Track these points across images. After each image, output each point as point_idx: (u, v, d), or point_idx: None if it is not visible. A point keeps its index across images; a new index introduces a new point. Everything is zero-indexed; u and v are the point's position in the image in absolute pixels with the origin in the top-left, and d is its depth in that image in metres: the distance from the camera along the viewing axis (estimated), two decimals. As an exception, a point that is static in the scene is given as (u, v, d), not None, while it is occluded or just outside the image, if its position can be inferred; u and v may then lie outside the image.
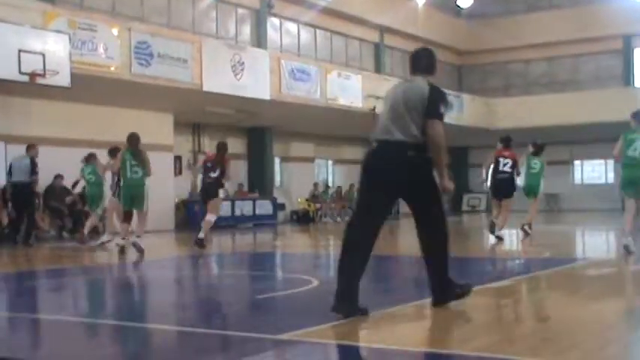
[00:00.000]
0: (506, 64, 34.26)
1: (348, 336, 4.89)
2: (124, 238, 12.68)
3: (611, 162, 32.74)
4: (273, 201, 23.68)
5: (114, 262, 11.82)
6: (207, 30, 22.45)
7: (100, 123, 18.34)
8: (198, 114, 21.23)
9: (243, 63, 19.24)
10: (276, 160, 26.11)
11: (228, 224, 20.97)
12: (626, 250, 9.95)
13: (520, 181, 14.20)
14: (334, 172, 29.58)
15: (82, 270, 10.52)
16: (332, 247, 14.47)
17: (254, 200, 22.68)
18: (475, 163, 35.41)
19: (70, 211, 17.36)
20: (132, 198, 12.38)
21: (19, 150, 16.16)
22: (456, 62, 35.01)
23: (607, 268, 9.33)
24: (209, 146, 23.26)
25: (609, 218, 22.78)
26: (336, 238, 16.71)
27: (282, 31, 25.39)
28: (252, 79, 19.45)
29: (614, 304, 6.21)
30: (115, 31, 16.23)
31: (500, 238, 13.53)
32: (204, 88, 18.14)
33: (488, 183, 13.94)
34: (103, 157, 15.46)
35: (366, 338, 4.91)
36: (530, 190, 14.65)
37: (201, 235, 12.55)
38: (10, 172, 15.17)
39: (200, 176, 13.57)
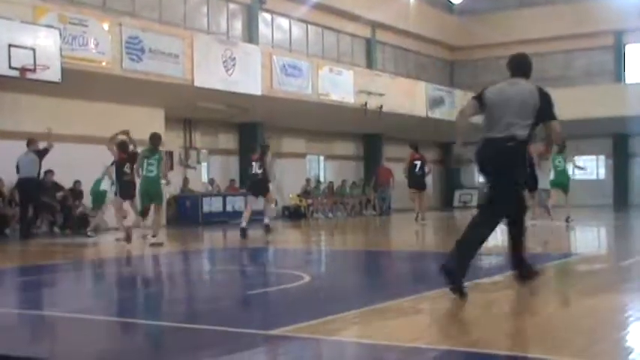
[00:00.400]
0: (497, 60, 34.15)
1: (340, 331, 4.88)
2: (146, 236, 13.14)
3: (602, 158, 32.92)
4: (265, 196, 23.64)
5: (105, 256, 11.79)
6: (199, 25, 22.40)
7: (91, 118, 18.29)
8: (189, 109, 21.18)
9: (234, 58, 19.21)
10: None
11: (219, 220, 20.95)
12: None
13: (546, 178, 15.73)
14: (326, 167, 29.53)
15: (77, 265, 10.50)
16: (323, 243, 14.46)
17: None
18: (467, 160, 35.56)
19: (61, 206, 17.29)
20: (148, 194, 12.87)
21: (9, 145, 16.12)
22: (447, 58, 35.06)
23: (599, 264, 9.36)
24: (200, 142, 23.27)
25: (601, 214, 22.88)
26: (328, 234, 16.75)
27: (273, 26, 25.34)
28: (243, 74, 19.42)
29: (606, 299, 6.21)
30: (105, 26, 16.16)
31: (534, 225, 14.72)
32: (196, 84, 18.10)
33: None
34: (96, 152, 15.43)
35: (358, 334, 4.91)
36: (562, 186, 16.05)
37: (266, 220, 14.72)
38: (17, 169, 15.44)
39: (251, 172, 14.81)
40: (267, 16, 24.98)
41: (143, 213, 13.35)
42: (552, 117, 6.29)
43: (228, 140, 24.37)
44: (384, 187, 26.32)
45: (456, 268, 6.01)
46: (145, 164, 12.76)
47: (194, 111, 21.46)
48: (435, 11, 33.14)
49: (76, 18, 15.56)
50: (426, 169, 18.87)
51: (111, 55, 16.05)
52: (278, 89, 20.67)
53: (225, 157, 24.30)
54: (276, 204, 24.82)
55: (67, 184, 17.57)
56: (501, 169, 6.15)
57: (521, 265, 6.42)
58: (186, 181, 21.95)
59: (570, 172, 16.91)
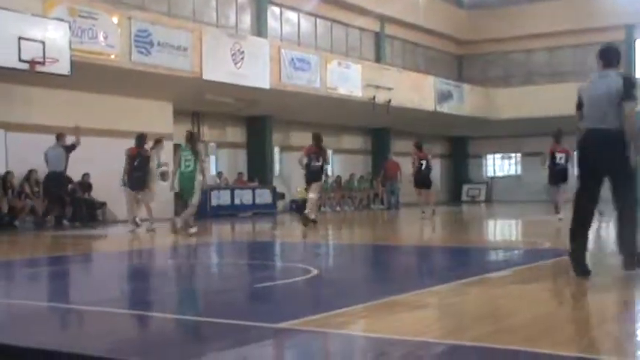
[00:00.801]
0: (507, 54, 34.16)
1: (347, 325, 4.88)
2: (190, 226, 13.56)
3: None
4: (273, 190, 23.65)
5: (115, 249, 11.83)
6: (208, 19, 22.39)
7: (100, 111, 18.36)
8: (197, 102, 21.20)
9: (243, 52, 19.21)
10: (276, 150, 26.07)
11: (227, 213, 20.97)
12: None
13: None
14: (334, 161, 29.48)
15: (85, 257, 10.54)
16: (331, 237, 14.46)
17: (253, 189, 22.69)
18: (474, 154, 35.50)
19: (70, 199, 17.31)
20: (183, 189, 13.51)
21: (19, 138, 16.22)
22: (456, 52, 34.95)
23: (608, 260, 9.31)
24: (208, 135, 23.27)
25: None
26: (335, 228, 16.73)
27: (282, 20, 25.31)
28: (252, 67, 19.43)
29: (614, 295, 6.18)
30: (115, 20, 16.20)
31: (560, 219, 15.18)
32: (204, 77, 18.12)
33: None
34: (106, 144, 15.48)
35: (365, 327, 4.91)
36: None
37: (307, 211, 15.28)
38: (46, 162, 15.89)
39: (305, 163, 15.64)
40: (276, 9, 24.95)
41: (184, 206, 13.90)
42: (628, 97, 6.47)
43: (236, 133, 24.38)
44: (392, 180, 26.33)
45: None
46: (183, 160, 13.35)
47: (202, 104, 21.49)
48: (445, 5, 33.05)
49: (86, 11, 15.61)
50: (431, 169, 19.44)
51: (120, 48, 16.10)
52: (286, 83, 20.68)
53: (233, 150, 24.31)
54: (283, 197, 24.85)
55: (76, 176, 17.62)
56: (610, 159, 6.51)
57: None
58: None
59: None
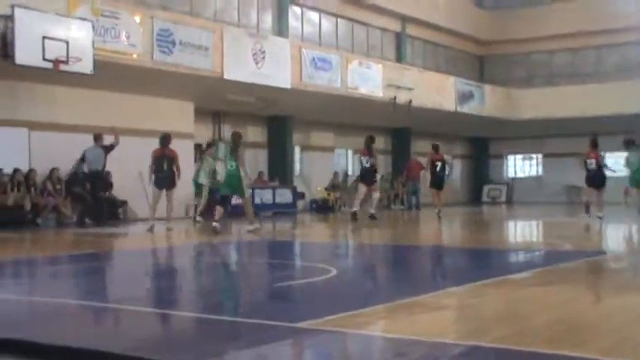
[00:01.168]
0: (529, 55, 33.99)
1: (366, 325, 4.88)
2: (216, 221, 14.00)
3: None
4: (293, 190, 23.67)
5: (139, 247, 11.90)
6: (229, 18, 22.45)
7: (122, 110, 18.45)
8: (218, 102, 21.26)
9: (264, 51, 19.25)
10: (296, 149, 26.10)
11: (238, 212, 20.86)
12: None
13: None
14: (354, 161, 29.52)
15: (106, 255, 10.62)
16: (351, 237, 14.46)
17: (274, 189, 22.69)
18: (495, 154, 35.37)
19: (92, 197, 17.36)
20: (230, 186, 14.02)
21: (43, 136, 16.38)
22: (477, 52, 34.82)
23: (629, 261, 9.24)
24: (229, 134, 23.32)
25: (632, 211, 22.59)
26: (356, 228, 16.72)
27: (303, 19, 25.33)
28: (273, 67, 19.45)
29: (635, 297, 6.12)
30: (137, 19, 16.28)
31: (600, 218, 16.38)
32: (225, 76, 18.17)
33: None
34: (127, 143, 15.62)
35: (384, 328, 4.90)
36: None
37: (372, 210, 16.81)
38: (82, 161, 16.46)
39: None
40: (297, 9, 24.98)
41: (222, 201, 14.50)
42: None
43: (256, 133, 24.41)
44: (414, 181, 26.20)
45: None
46: (227, 160, 13.90)
47: (223, 103, 21.54)
48: (466, 5, 32.95)
49: (109, 10, 15.69)
50: (447, 171, 19.85)
51: (142, 47, 16.17)
52: (307, 82, 20.70)
53: (253, 150, 24.27)
54: (303, 197, 24.89)
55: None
56: None
57: None
58: (214, 173, 21.99)
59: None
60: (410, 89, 24.58)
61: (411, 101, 24.45)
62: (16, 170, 16.16)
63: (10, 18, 13.64)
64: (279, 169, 24.08)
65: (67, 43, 14.38)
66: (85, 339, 4.52)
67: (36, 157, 16.67)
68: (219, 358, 4.12)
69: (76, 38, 14.58)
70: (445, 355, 4.05)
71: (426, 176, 20.70)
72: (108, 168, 17.82)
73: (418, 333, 4.52)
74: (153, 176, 14.91)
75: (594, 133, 17.32)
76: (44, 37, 14.04)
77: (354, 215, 16.63)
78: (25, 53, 13.79)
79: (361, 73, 22.83)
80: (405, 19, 29.20)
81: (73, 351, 1.74)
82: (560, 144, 32.75)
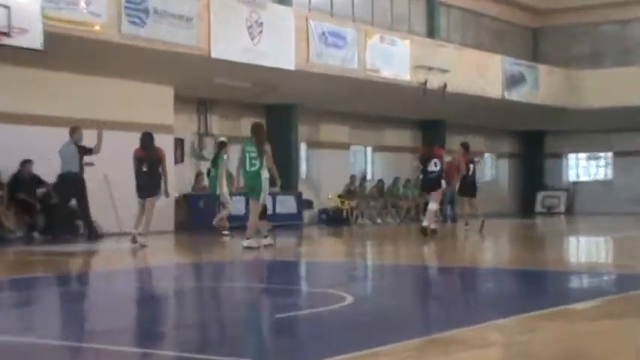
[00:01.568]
0: (595, 27, 33.81)
1: (389, 367, 4.88)
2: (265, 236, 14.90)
3: None
4: (298, 197, 23.66)
5: (106, 267, 11.93)
6: (218, -19, 22.50)
7: (83, 96, 18.43)
8: (204, 87, 21.31)
9: (261, 24, 19.25)
10: (302, 147, 26.17)
11: (242, 224, 20.78)
12: None
13: None
14: (374, 161, 29.53)
15: (59, 279, 10.64)
16: (370, 256, 14.47)
17: (274, 196, 22.59)
18: (552, 153, 35.24)
19: (42, 206, 17.35)
20: (248, 188, 14.50)
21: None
22: (530, 24, 34.69)
23: None
24: (218, 127, 23.35)
25: None
26: (376, 244, 16.72)
27: (311, -17, 25.37)
28: (272, 43, 19.45)
29: None
30: (101, -19, 16.25)
31: None
32: (213, 55, 18.18)
33: None
34: (89, 138, 15.73)
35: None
36: None
37: (425, 223, 17.24)
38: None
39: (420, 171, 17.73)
40: (303, -30, 25.01)
41: (264, 214, 15.37)
42: None
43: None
44: (451, 186, 26.02)
45: None
46: (248, 158, 14.15)
47: (211, 89, 21.61)
48: (516, -35, 32.97)
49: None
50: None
51: (107, 17, 16.07)
52: (315, 63, 20.70)
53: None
54: (310, 206, 24.89)
55: (50, 177, 17.38)
56: None
57: None
58: (199, 176, 22.05)
59: None
60: (445, 71, 24.57)
61: (445, 86, 24.45)
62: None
63: None
64: (281, 172, 23.93)
65: (9, 9, 14.08)
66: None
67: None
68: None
69: (21, 3, 14.36)
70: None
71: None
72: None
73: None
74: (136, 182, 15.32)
75: None
76: (-23, 2, 13.86)
77: (424, 231, 17.08)
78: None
79: (383, 50, 22.83)
80: (438, -17, 29.24)
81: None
82: (635, 140, 32.63)
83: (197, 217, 21.10)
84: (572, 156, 35.83)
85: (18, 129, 17.11)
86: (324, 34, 21.02)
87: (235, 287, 10.07)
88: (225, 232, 18.08)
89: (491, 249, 15.95)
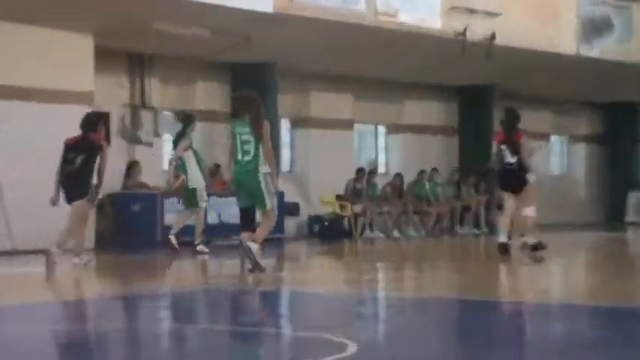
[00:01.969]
0: None
1: None
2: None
3: None
4: (278, 197, 23.61)
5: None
6: None
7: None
8: (140, 36, 21.36)
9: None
10: (284, 125, 26.36)
11: (190, 239, 20.72)
12: None
13: None
14: (389, 146, 29.62)
15: None
16: (383, 284, 14.49)
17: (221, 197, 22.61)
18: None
19: None
20: (244, 190, 14.50)
21: None
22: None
23: None
24: (160, 93, 23.41)
25: None
26: (390, 268, 16.72)
27: None
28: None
29: None
30: None
31: None
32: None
33: None
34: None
35: None
36: None
37: (530, 240, 17.22)
38: None
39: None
40: None
41: (245, 223, 14.72)
42: None
43: (213, 94, 24.51)
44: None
45: None
46: (239, 143, 14.20)
47: (149, 39, 21.69)
48: None
49: None
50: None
51: None
52: (304, 3, 20.72)
53: (208, 124, 24.34)
54: (296, 211, 24.88)
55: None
56: None
57: None
58: (134, 167, 21.98)
59: None
60: (492, 15, 24.62)
61: (493, 37, 24.49)
62: None
63: None
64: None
65: None
66: None
67: None
68: None
69: None
70: None
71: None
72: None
73: None
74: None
75: None
76: None
77: (505, 248, 17.39)
78: None
79: (403, -15, 22.90)
80: None
81: None
82: None
83: (130, 226, 21.09)
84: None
85: None
86: (316, -41, 21.06)
87: (185, 330, 10.06)
88: (203, 249, 18.56)
89: (559, 276, 15.94)
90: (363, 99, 28.02)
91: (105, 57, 21.34)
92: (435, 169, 28.16)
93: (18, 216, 18.29)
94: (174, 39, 21.28)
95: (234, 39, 21.71)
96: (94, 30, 20.47)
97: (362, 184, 26.05)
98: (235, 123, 14.49)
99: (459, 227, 27.44)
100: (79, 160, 15.35)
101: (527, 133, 18.24)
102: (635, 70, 29.17)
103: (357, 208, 25.44)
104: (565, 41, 26.99)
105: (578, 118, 34.76)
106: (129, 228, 21.15)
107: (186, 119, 19.07)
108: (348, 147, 27.84)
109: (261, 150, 14.11)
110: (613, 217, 34.49)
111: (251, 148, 14.11)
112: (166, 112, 23.79)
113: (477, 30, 24.27)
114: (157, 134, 23.32)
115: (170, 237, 18.38)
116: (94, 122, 15.88)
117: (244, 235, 14.40)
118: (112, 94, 22.37)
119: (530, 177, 17.45)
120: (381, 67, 26.33)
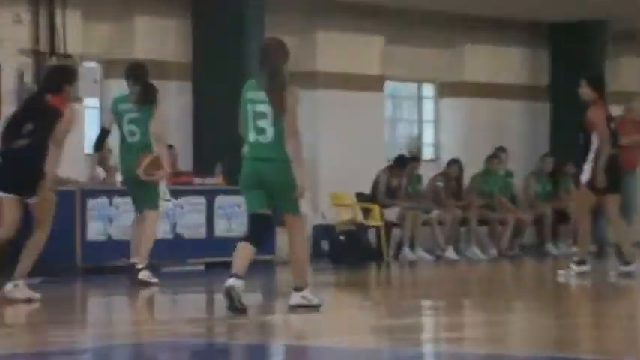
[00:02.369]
0: None
1: None
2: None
3: None
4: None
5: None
6: None
7: None
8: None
9: None
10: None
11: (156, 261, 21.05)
12: None
13: None
14: (440, 118, 29.67)
15: None
16: (431, 332, 14.28)
17: (211, 196, 22.70)
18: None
19: None
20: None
21: None
22: None
23: None
24: (80, 39, 23.77)
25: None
26: (444, 306, 17.70)
27: None
28: None
29: None
30: None
31: None
32: None
33: None
34: None
35: None
36: None
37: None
38: None
39: None
40: None
41: (258, 236, 15.11)
42: None
43: (165, 40, 24.71)
44: (628, 178, 25.43)
45: None
46: (251, 115, 14.38)
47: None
48: None
49: None
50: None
51: None
52: None
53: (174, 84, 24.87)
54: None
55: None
56: None
57: None
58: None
59: None
60: None
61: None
62: None
63: None
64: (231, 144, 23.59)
65: None
66: None
67: None
68: None
69: None
70: None
71: None
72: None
73: None
74: None
75: None
76: None
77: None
78: None
79: None
80: None
81: None
82: None
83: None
84: None
85: None
86: None
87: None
88: (149, 277, 19.04)
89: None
90: (398, 44, 27.88)
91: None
92: (511, 154, 27.90)
93: None
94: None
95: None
96: None
97: (400, 179, 25.93)
98: (248, 84, 14.55)
99: (552, 245, 27.17)
100: (26, 130, 15.87)
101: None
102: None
103: (392, 214, 25.46)
104: None
105: None
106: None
107: (145, 75, 19.56)
108: (377, 118, 27.99)
109: (283, 125, 14.20)
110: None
111: (266, 124, 14.14)
112: (90, 64, 23.78)
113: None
114: (76, 98, 22.83)
115: (140, 270, 18.72)
116: (57, 79, 16.21)
117: (248, 252, 14.55)
118: (6, 35, 22.35)
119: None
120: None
